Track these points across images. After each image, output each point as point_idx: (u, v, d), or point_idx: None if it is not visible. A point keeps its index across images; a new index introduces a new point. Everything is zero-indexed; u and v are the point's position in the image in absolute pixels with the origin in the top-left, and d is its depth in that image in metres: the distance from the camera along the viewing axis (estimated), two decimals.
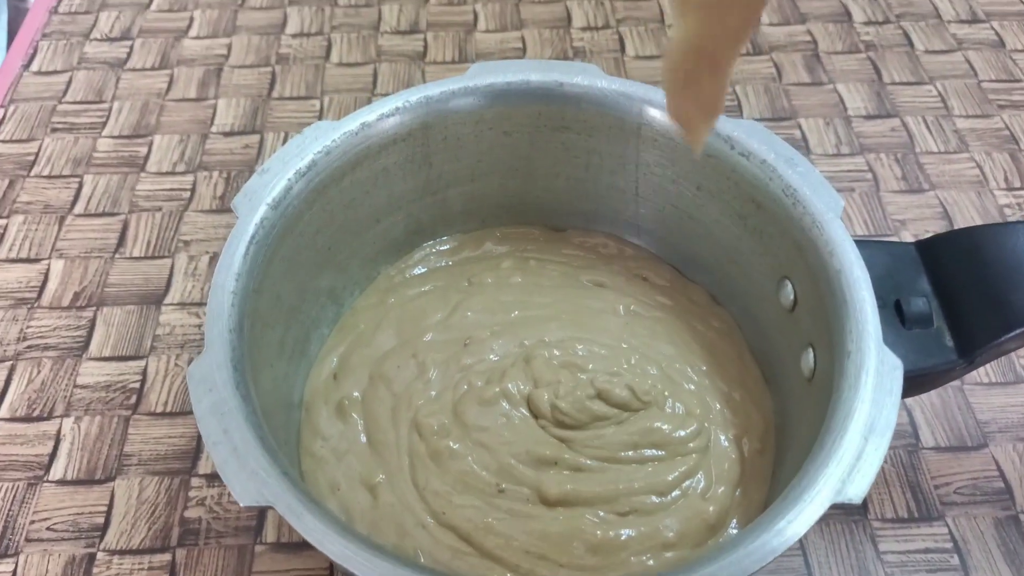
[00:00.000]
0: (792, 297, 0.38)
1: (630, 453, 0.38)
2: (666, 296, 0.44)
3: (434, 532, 0.36)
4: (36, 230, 0.52)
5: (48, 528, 0.40)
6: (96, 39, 0.64)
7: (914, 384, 0.35)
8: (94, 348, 0.46)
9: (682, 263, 0.45)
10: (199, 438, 0.43)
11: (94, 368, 0.46)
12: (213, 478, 0.41)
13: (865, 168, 0.55)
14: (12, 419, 0.44)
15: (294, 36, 0.65)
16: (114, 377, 0.45)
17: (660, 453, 0.38)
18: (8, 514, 0.40)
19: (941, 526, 0.40)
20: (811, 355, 0.36)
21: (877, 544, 0.40)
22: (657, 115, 0.41)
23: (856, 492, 0.29)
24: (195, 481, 0.41)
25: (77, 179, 0.55)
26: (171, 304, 0.48)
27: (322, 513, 0.29)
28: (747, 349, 0.42)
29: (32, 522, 0.40)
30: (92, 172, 0.55)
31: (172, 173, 0.55)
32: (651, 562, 0.35)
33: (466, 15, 0.66)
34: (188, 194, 0.54)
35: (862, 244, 0.35)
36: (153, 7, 0.67)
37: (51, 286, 0.49)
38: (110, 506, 0.41)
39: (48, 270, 0.50)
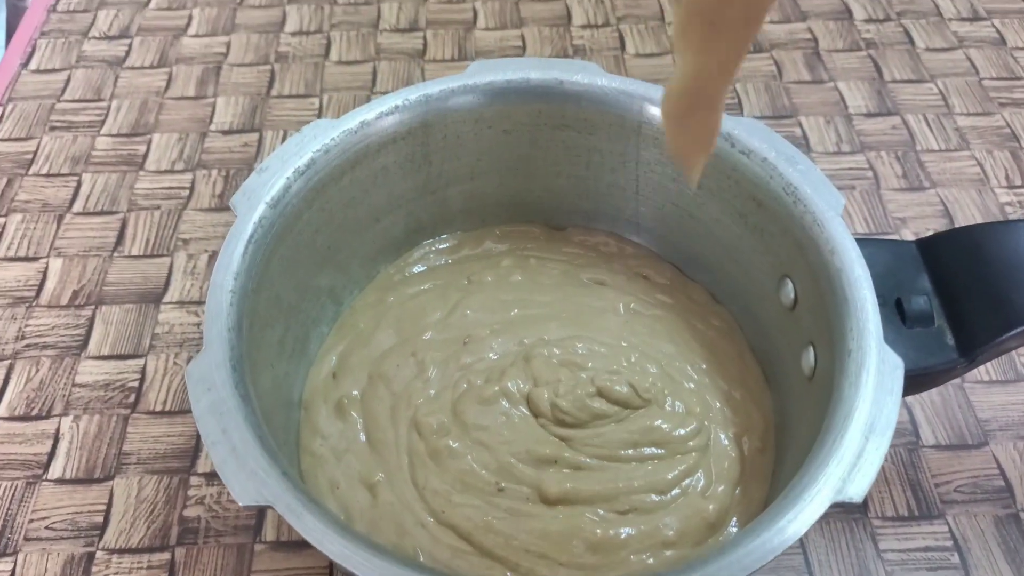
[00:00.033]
0: (793, 295, 0.38)
1: (630, 451, 0.38)
2: (666, 294, 0.44)
3: (433, 531, 0.36)
4: (34, 229, 0.52)
5: (47, 527, 0.40)
6: (95, 37, 0.64)
7: (915, 383, 0.35)
8: (93, 347, 0.46)
9: (682, 261, 0.45)
10: (198, 437, 0.43)
11: (93, 367, 0.46)
12: (212, 477, 0.41)
13: (866, 166, 0.55)
14: (11, 418, 0.44)
15: (293, 34, 0.64)
16: (113, 376, 0.45)
17: (660, 451, 0.38)
18: (7, 513, 0.40)
19: (941, 524, 0.40)
20: (812, 354, 0.36)
21: (877, 542, 0.40)
22: (657, 113, 0.40)
23: (857, 491, 0.29)
24: (194, 480, 0.41)
25: (76, 177, 0.55)
26: (170, 303, 0.48)
27: (321, 512, 0.29)
28: (747, 348, 0.42)
29: (31, 521, 0.40)
30: (91, 170, 0.55)
31: (171, 171, 0.55)
32: (651, 561, 0.35)
33: (466, 13, 0.66)
34: (187, 193, 0.54)
35: (863, 242, 0.35)
36: (152, 5, 0.67)
37: (49, 285, 0.49)
38: (109, 505, 0.41)
39: (47, 269, 0.50)
